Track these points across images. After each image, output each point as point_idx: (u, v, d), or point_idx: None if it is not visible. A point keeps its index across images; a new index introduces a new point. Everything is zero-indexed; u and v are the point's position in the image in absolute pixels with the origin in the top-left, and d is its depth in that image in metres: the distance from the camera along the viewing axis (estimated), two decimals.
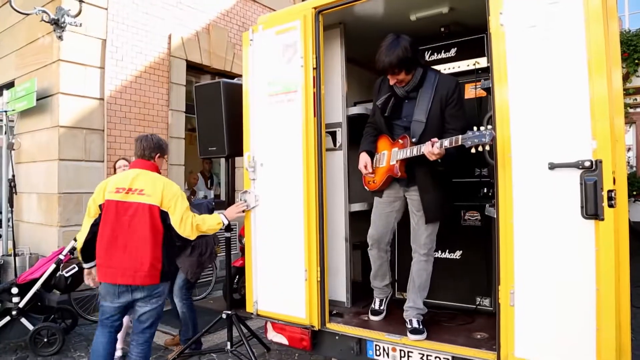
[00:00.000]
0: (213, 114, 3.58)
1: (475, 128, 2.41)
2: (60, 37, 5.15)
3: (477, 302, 3.24)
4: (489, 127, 2.39)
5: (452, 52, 3.48)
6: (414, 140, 2.74)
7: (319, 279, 3.07)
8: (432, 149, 2.53)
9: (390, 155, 2.86)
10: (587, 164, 2.13)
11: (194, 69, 6.81)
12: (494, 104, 2.43)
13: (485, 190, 3.23)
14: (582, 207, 2.14)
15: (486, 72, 3.27)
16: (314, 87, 3.13)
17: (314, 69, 3.13)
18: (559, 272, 2.23)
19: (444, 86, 2.73)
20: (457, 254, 3.37)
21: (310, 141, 3.12)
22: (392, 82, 2.80)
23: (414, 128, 2.74)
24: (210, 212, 6.13)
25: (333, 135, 3.54)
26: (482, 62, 3.34)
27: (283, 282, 3.22)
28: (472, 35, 3.41)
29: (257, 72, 3.38)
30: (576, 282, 2.18)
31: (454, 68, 3.46)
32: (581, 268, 2.16)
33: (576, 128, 2.19)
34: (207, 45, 6.92)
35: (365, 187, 3.10)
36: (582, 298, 2.15)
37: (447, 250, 3.39)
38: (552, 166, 2.23)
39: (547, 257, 2.26)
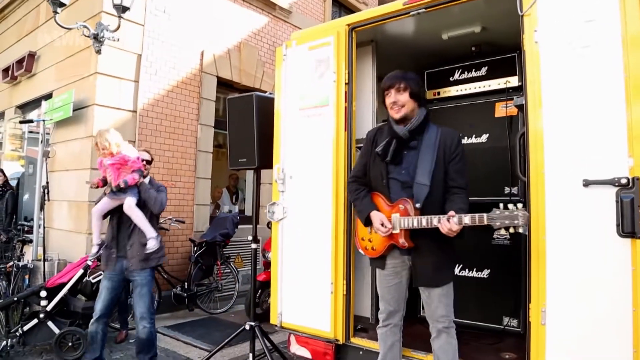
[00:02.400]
0: (244, 126, 3.65)
1: (502, 206, 2.17)
2: (98, 52, 5.36)
3: (505, 323, 3.18)
4: (519, 206, 2.17)
5: (483, 70, 3.51)
6: (417, 205, 2.39)
7: (344, 293, 3.07)
8: (450, 226, 2.22)
9: (392, 222, 2.43)
10: (624, 181, 2.11)
11: (224, 85, 6.97)
12: (528, 120, 2.44)
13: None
14: (618, 225, 2.11)
15: (517, 91, 3.31)
16: (345, 101, 3.18)
17: (346, 84, 3.19)
18: (593, 291, 2.18)
19: (447, 138, 2.47)
20: (485, 273, 3.33)
21: (340, 155, 3.16)
22: (390, 101, 2.49)
23: (417, 191, 2.40)
24: (235, 226, 6.26)
25: None
26: (512, 81, 3.35)
27: (308, 295, 3.22)
28: (503, 55, 3.42)
29: (289, 87, 3.46)
30: (612, 302, 2.13)
31: (484, 87, 3.48)
32: (617, 288, 2.12)
33: (612, 145, 2.18)
34: (238, 62, 7.10)
35: (360, 252, 2.72)
36: (618, 319, 2.10)
37: (475, 269, 3.35)
38: (587, 183, 2.21)
39: (581, 275, 2.22)
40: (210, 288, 6.10)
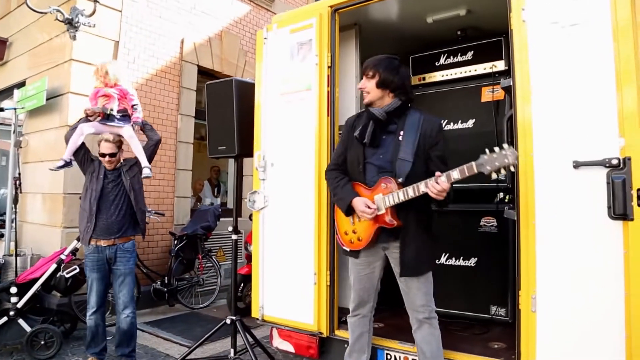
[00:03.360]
0: (224, 112, 3.52)
1: (487, 150, 2.07)
2: (73, 37, 5.15)
3: (493, 312, 3.11)
4: (505, 145, 2.04)
5: (469, 55, 3.42)
6: (400, 180, 2.28)
7: (328, 284, 2.97)
8: (440, 186, 2.10)
9: (375, 203, 2.33)
10: (615, 161, 2.04)
11: (205, 74, 6.79)
12: (516, 102, 2.35)
13: (502, 195, 3.13)
14: (609, 207, 2.04)
15: (504, 75, 3.23)
16: (328, 86, 3.07)
17: (328, 67, 3.07)
18: (584, 276, 2.12)
19: (429, 124, 2.38)
20: (472, 262, 3.26)
21: (323, 141, 3.05)
22: (359, 87, 2.50)
23: (400, 167, 2.30)
24: (217, 218, 6.12)
25: None
26: (499, 65, 3.28)
27: (291, 287, 3.11)
28: (489, 39, 3.34)
29: (270, 71, 3.33)
30: (603, 287, 2.06)
31: (470, 71, 3.40)
32: (609, 271, 2.05)
33: (602, 125, 2.11)
34: (219, 51, 6.92)
35: (344, 248, 2.55)
36: (610, 303, 2.04)
37: (462, 258, 3.28)
38: (577, 164, 2.13)
39: (571, 259, 2.15)
40: (192, 282, 5.94)
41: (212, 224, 5.95)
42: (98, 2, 5.16)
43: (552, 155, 2.21)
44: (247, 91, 3.51)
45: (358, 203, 2.36)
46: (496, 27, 3.30)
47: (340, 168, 2.58)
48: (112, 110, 3.61)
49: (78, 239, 4.15)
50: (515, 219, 2.35)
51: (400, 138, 2.38)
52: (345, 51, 3.48)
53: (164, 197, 6.13)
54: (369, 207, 2.32)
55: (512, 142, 2.40)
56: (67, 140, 3.64)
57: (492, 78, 3.25)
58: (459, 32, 3.52)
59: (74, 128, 3.63)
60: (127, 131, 3.68)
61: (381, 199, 2.32)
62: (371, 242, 2.40)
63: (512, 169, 2.02)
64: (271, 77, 3.31)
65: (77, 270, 4.29)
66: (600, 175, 2.08)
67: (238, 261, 6.28)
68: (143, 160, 3.67)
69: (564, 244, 2.17)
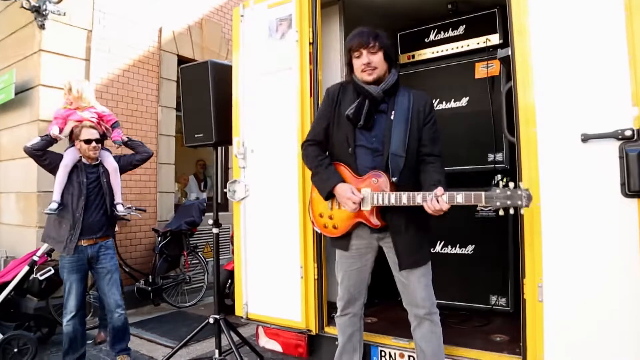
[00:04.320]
0: (200, 97, 3.27)
1: (501, 184, 1.87)
2: (42, 26, 4.86)
3: (493, 302, 2.91)
4: (521, 185, 1.88)
5: (461, 29, 3.20)
6: (394, 179, 2.06)
7: (316, 277, 2.75)
8: (439, 206, 1.89)
9: (362, 196, 2.08)
10: (628, 133, 1.84)
11: (185, 64, 6.49)
12: (515, 72, 2.13)
13: (499, 177, 2.92)
14: (622, 184, 1.85)
15: (498, 49, 3.00)
16: (310, 64, 2.84)
17: (310, 44, 2.84)
18: (595, 261, 1.92)
19: (420, 101, 2.17)
20: (469, 249, 3.06)
21: (306, 124, 2.81)
22: (361, 62, 2.12)
23: (393, 163, 2.07)
24: (202, 213, 5.88)
25: None
26: (493, 39, 3.06)
27: (276, 282, 2.89)
28: (482, 11, 3.12)
29: (247, 50, 3.09)
30: (617, 272, 1.87)
31: (462, 47, 3.18)
32: (623, 255, 1.86)
33: (613, 94, 1.90)
34: (200, 40, 6.64)
35: (317, 230, 2.36)
36: (626, 291, 1.84)
37: (458, 245, 3.08)
38: (586, 138, 1.93)
39: (581, 243, 1.95)
40: (177, 280, 5.71)
41: (196, 219, 5.70)
42: None
43: (557, 128, 2.01)
44: (224, 74, 3.26)
45: (343, 189, 2.10)
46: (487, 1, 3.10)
47: (320, 145, 2.30)
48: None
49: None
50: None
51: (392, 118, 2.14)
52: (329, 29, 3.24)
53: (145, 192, 5.87)
54: (354, 197, 2.07)
55: (513, 115, 2.19)
56: (31, 155, 3.42)
57: (486, 53, 3.03)
58: (449, 6, 3.29)
59: (40, 150, 3.39)
60: (113, 163, 3.52)
61: (369, 194, 2.07)
62: (348, 232, 2.19)
63: (521, 212, 1.88)
64: (249, 58, 3.07)
65: (52, 271, 4.03)
66: (612, 148, 1.88)
67: (226, 256, 6.11)
68: (118, 196, 3.53)
69: (572, 227, 1.97)
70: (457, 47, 3.18)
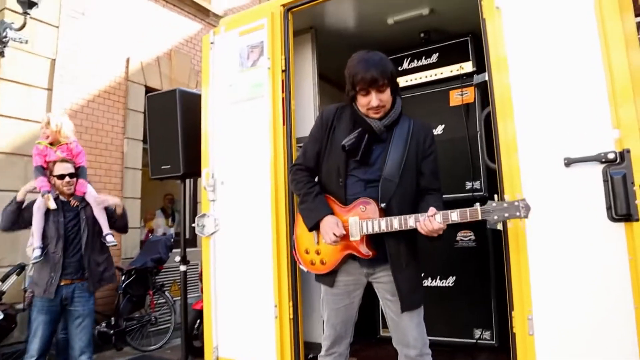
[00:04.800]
0: (167, 127, 3.13)
1: (496, 197, 1.81)
2: (1, 54, 4.64)
3: (477, 336, 2.79)
4: (518, 196, 1.85)
5: (434, 58, 3.20)
6: (382, 205, 1.90)
7: (291, 317, 2.57)
8: (432, 226, 1.77)
9: (349, 226, 1.93)
10: (611, 155, 1.79)
11: None
12: (494, 97, 2.09)
13: (478, 205, 2.85)
14: (608, 209, 1.78)
15: (472, 77, 3.00)
16: (282, 91, 2.75)
17: (282, 71, 2.76)
18: (586, 289, 1.83)
19: (421, 132, 2.02)
20: (450, 281, 2.95)
21: (278, 154, 2.70)
22: (370, 102, 1.91)
23: (384, 188, 1.91)
24: (169, 249, 5.61)
25: None
26: (466, 67, 3.06)
27: (249, 322, 2.69)
28: (455, 39, 3.13)
29: (218, 78, 2.99)
30: (609, 300, 1.78)
31: (436, 75, 3.16)
32: (612, 282, 1.78)
33: (592, 116, 1.87)
34: (169, 71, 6.53)
35: (303, 268, 2.13)
36: (618, 319, 1.75)
37: (439, 277, 2.96)
38: (569, 162, 1.87)
39: (570, 271, 1.86)
40: (142, 322, 5.35)
41: (163, 255, 5.43)
42: (30, 15, 4.69)
43: (539, 153, 1.95)
44: (193, 103, 3.14)
45: (329, 222, 1.94)
46: (460, 28, 3.13)
47: (310, 171, 2.12)
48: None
49: (2, 280, 3.59)
50: (501, 228, 2.06)
51: (390, 146, 1.99)
52: (301, 57, 3.19)
53: None
54: (336, 229, 1.91)
55: (492, 141, 2.13)
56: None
57: (460, 80, 3.02)
58: (422, 35, 3.30)
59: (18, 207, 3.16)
60: (94, 194, 3.31)
61: (357, 223, 1.91)
62: (337, 268, 2.01)
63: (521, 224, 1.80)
64: (220, 85, 2.97)
65: (1, 316, 3.71)
66: (595, 172, 1.82)
67: (194, 295, 5.81)
68: (105, 228, 3.30)
69: (560, 255, 1.89)
70: (431, 75, 3.17)
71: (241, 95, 2.86)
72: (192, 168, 3.09)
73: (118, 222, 3.38)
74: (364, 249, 1.92)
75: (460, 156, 2.90)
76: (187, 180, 3.43)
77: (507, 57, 2.05)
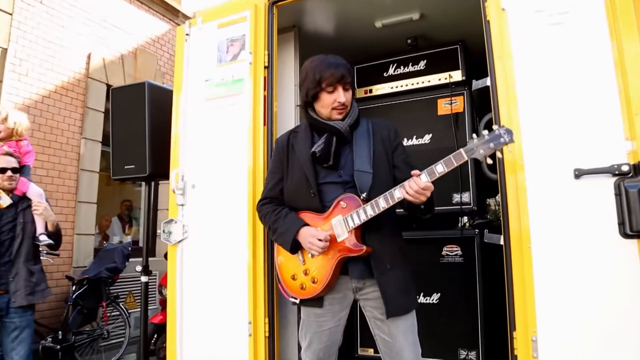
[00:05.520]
0: (134, 123, 2.86)
1: (475, 135, 1.69)
2: None
3: (463, 357, 2.64)
4: (494, 126, 1.69)
5: (422, 65, 3.07)
6: (364, 196, 1.77)
7: (267, 335, 2.34)
8: (419, 185, 1.62)
9: (333, 229, 1.78)
10: (625, 168, 1.68)
11: None
12: (497, 102, 1.97)
13: (465, 220, 2.73)
14: (621, 224, 1.67)
15: (461, 86, 2.90)
16: (264, 89, 2.54)
17: (265, 67, 2.56)
18: (595, 310, 1.71)
19: (382, 129, 1.96)
20: (434, 298, 2.79)
21: (258, 156, 2.49)
22: (336, 100, 1.83)
23: (361, 180, 1.81)
24: (126, 258, 5.23)
25: None
26: (455, 75, 2.95)
27: (219, 341, 2.43)
28: (443, 47, 3.03)
29: (192, 73, 2.75)
30: (620, 321, 1.66)
31: (423, 82, 3.04)
32: (624, 302, 1.66)
33: (605, 125, 1.77)
34: (133, 70, 6.18)
35: (292, 299, 1.87)
36: (630, 342, 1.63)
37: (422, 294, 2.80)
38: (580, 174, 1.76)
39: (578, 290, 1.74)
40: (93, 336, 4.93)
41: (119, 265, 5.04)
42: None
43: (547, 164, 1.84)
44: (162, 98, 2.89)
45: (305, 233, 1.80)
46: (449, 35, 3.03)
47: (275, 201, 1.99)
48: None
49: None
50: (503, 243, 1.92)
51: (354, 146, 1.90)
52: (283, 56, 2.99)
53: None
54: (318, 234, 1.76)
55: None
56: None
57: (449, 89, 2.91)
58: (409, 41, 3.19)
59: None
60: (36, 191, 2.99)
61: (341, 221, 1.76)
62: (331, 282, 1.79)
63: (509, 149, 1.64)
64: (194, 80, 2.73)
65: None
66: (607, 185, 1.71)
67: (152, 307, 5.43)
68: (40, 227, 2.96)
69: (567, 271, 1.76)
70: (418, 83, 3.04)
71: (218, 91, 2.63)
72: (160, 169, 2.83)
73: (50, 238, 3.06)
74: (353, 243, 1.74)
75: None
76: (152, 184, 3.14)
77: (513, 61, 1.93)
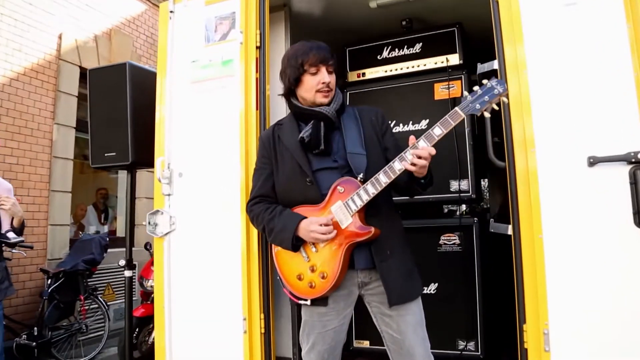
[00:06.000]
0: (114, 107, 2.67)
1: (466, 92, 1.62)
2: None
3: (462, 347, 2.59)
4: (484, 80, 1.60)
5: (417, 47, 2.97)
6: (361, 177, 1.67)
7: (263, 331, 2.23)
8: (420, 151, 1.54)
9: (335, 217, 1.66)
10: None
11: None
12: (505, 83, 1.87)
13: (464, 208, 2.66)
14: (636, 213, 1.62)
15: (458, 70, 2.82)
16: (257, 71, 2.40)
17: (257, 48, 2.41)
18: (610, 301, 1.66)
19: (370, 113, 1.89)
20: (432, 288, 2.73)
21: (251, 142, 2.36)
22: (320, 81, 1.73)
23: (355, 162, 1.72)
24: (104, 249, 5.02)
25: None
26: (452, 59, 2.85)
27: (212, 338, 2.31)
28: (439, 30, 2.92)
29: (178, 53, 2.58)
30: (636, 313, 1.61)
31: (419, 66, 2.93)
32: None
33: (620, 111, 1.69)
34: (107, 52, 5.89)
35: (303, 301, 1.73)
36: None
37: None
38: (594, 161, 1.69)
39: (592, 281, 1.68)
40: (71, 331, 4.73)
41: (97, 256, 4.83)
42: None
43: (559, 151, 1.76)
44: (145, 80, 2.71)
45: (305, 225, 1.67)
46: (446, 17, 2.94)
47: (267, 199, 1.85)
48: None
49: None
50: (511, 233, 1.85)
51: (343, 131, 1.81)
52: (273, 37, 2.83)
53: (33, 225, 4.87)
54: (321, 219, 1.65)
55: (502, 136, 1.93)
56: None
57: (447, 73, 2.81)
58: (403, 22, 3.08)
59: None
60: (4, 185, 2.91)
61: (341, 206, 1.65)
62: (342, 274, 1.67)
63: (505, 100, 1.59)
64: (179, 61, 2.56)
65: None
66: (622, 173, 1.65)
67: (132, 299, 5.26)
68: (6, 224, 2.88)
69: (580, 262, 1.70)
70: (414, 66, 2.94)
71: (206, 73, 2.47)
72: (143, 156, 2.66)
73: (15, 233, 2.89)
74: (361, 227, 1.64)
75: (446, 154, 2.69)
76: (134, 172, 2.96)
77: (524, 44, 1.84)
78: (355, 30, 3.17)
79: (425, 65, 2.92)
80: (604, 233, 1.68)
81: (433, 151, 1.56)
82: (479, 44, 2.85)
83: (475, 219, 2.63)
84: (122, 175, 6.19)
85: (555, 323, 1.70)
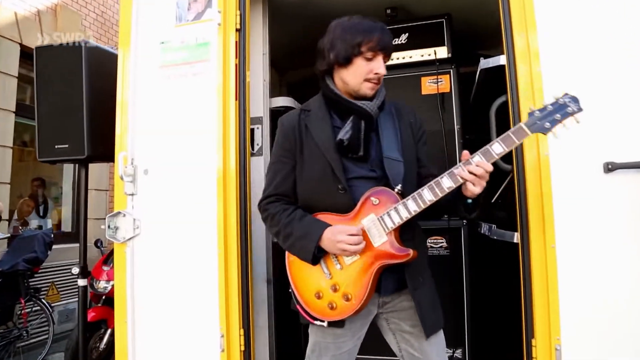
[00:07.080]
0: (67, 93, 2.34)
1: (532, 107, 1.40)
2: None
3: (449, 354, 2.48)
4: (558, 95, 1.39)
5: (403, 38, 2.80)
6: (398, 189, 1.45)
7: (243, 349, 2.00)
8: (474, 167, 1.34)
9: (366, 232, 1.45)
10: None
11: (31, 57, 5.16)
12: (515, 83, 1.74)
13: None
14: None
15: (446, 63, 2.68)
16: (236, 57, 2.15)
17: (237, 30, 2.16)
18: (628, 317, 1.57)
19: (409, 113, 1.67)
20: None
21: (228, 137, 2.12)
22: (381, 72, 1.50)
23: (392, 170, 1.50)
24: (48, 247, 4.57)
25: (250, 134, 2.54)
26: (440, 52, 2.71)
27: (184, 358, 2.06)
28: (427, 20, 2.77)
29: (143, 34, 2.28)
30: None
31: (404, 58, 2.77)
32: None
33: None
34: (52, 29, 5.37)
35: (317, 322, 1.50)
36: None
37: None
38: (612, 167, 1.58)
39: (609, 294, 1.59)
40: (10, 337, 4.29)
41: (40, 254, 4.38)
42: None
43: (574, 155, 1.65)
44: (105, 63, 2.40)
45: (331, 234, 1.44)
46: (432, 9, 2.80)
47: (285, 199, 1.61)
48: None
49: None
50: (518, 241, 1.73)
51: (380, 132, 1.57)
52: (251, 22, 2.58)
53: None
54: (350, 229, 1.43)
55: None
56: None
57: (436, 67, 2.66)
58: (388, 11, 2.90)
59: None
60: None
61: (375, 221, 1.44)
62: (368, 298, 1.45)
63: (577, 121, 1.36)
64: (145, 43, 2.26)
65: None
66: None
67: (74, 300, 4.85)
68: None
69: (596, 274, 1.61)
70: (399, 58, 2.77)
71: (178, 56, 2.19)
72: (101, 149, 2.35)
73: None
74: (399, 250, 1.42)
75: (434, 152, 2.54)
76: (90, 166, 2.63)
77: (537, 36, 1.70)
78: (336, 17, 2.95)
79: (411, 57, 2.76)
80: (621, 243, 1.59)
81: (490, 168, 1.35)
82: (470, 36, 2.74)
83: (463, 221, 2.52)
84: (68, 164, 5.71)
85: (568, 339, 1.60)
